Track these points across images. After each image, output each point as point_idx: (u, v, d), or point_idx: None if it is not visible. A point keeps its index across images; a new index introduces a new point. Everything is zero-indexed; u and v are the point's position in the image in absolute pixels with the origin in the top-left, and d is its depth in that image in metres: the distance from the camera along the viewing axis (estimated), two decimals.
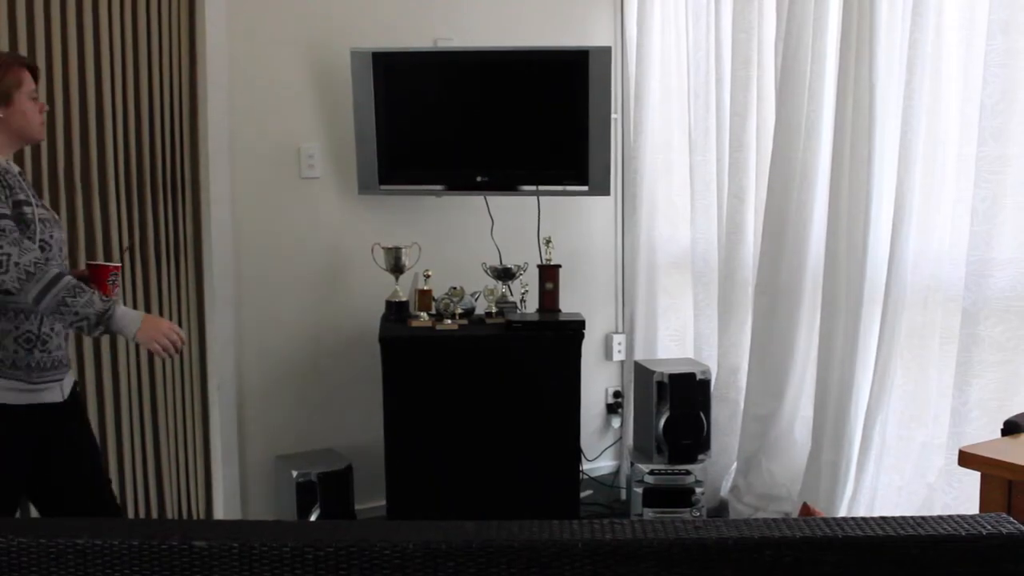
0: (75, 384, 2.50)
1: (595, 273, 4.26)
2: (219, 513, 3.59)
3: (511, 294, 3.68)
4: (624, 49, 4.18)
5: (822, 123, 3.19)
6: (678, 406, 3.53)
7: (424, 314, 3.50)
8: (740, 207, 3.59)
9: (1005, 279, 2.59)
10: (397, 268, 3.55)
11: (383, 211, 3.77)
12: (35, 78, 2.36)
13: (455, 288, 3.57)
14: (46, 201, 3.18)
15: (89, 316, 2.22)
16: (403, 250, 3.53)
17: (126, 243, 3.30)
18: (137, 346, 3.41)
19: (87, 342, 3.28)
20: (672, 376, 3.54)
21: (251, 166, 3.56)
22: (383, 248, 3.56)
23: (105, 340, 3.32)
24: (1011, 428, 2.09)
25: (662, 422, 3.54)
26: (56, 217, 2.40)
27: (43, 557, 0.93)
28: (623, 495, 4.11)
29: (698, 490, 3.56)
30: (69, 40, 3.17)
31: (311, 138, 3.67)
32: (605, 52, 3.55)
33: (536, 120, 3.61)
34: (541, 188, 3.67)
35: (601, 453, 4.35)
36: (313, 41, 3.64)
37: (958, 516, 0.98)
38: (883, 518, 0.99)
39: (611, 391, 4.38)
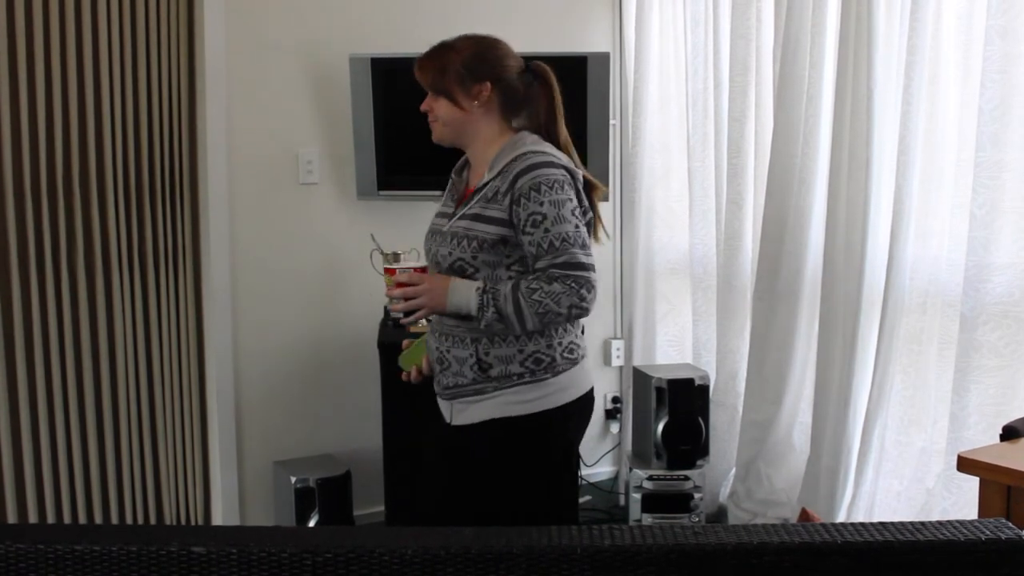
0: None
1: None
2: (217, 519, 3.58)
3: None
4: (622, 55, 4.19)
5: (820, 128, 3.19)
6: (677, 412, 3.53)
7: (423, 320, 3.50)
8: (738, 213, 3.59)
9: (1003, 284, 2.59)
10: None
11: (382, 216, 3.77)
12: None
13: None
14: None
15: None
16: (402, 255, 3.53)
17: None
18: (135, 350, 3.41)
19: (83, 347, 3.28)
20: (671, 382, 3.54)
21: (249, 171, 3.56)
22: (382, 253, 3.57)
23: (102, 344, 3.32)
24: (1009, 433, 2.09)
25: (661, 427, 3.54)
26: None
27: (41, 563, 0.93)
28: (622, 500, 4.10)
29: (697, 496, 3.56)
30: (68, 45, 3.17)
31: (310, 143, 3.67)
32: (603, 58, 3.56)
33: None
34: None
35: (600, 458, 4.35)
36: (312, 47, 3.64)
37: (957, 521, 0.98)
38: (882, 523, 0.99)
39: (610, 396, 4.38)
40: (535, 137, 2.21)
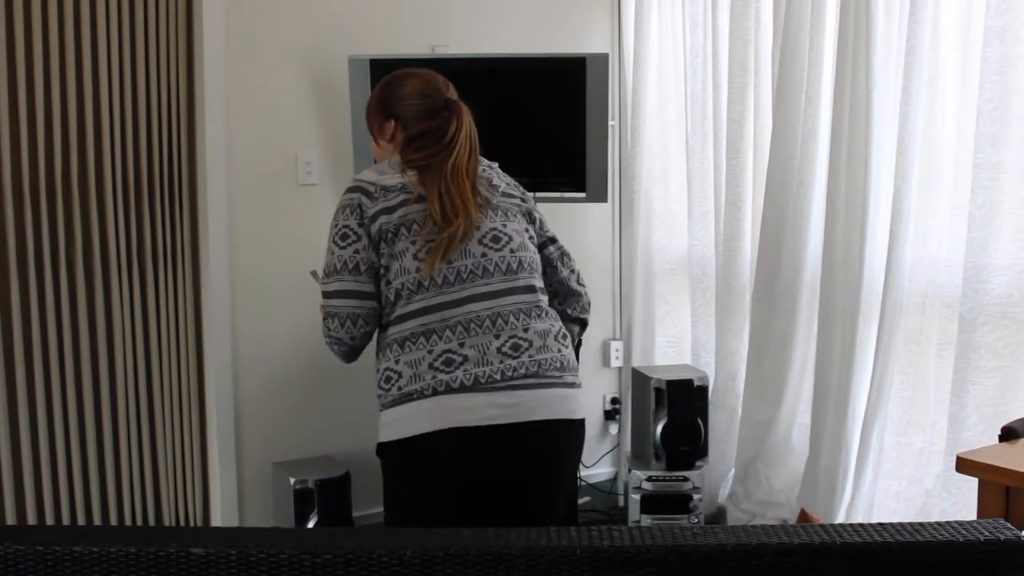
0: None
1: (592, 280, 4.26)
2: (216, 520, 3.58)
3: None
4: (621, 56, 4.19)
5: (819, 130, 3.20)
6: (676, 412, 3.53)
7: None
8: (737, 214, 3.60)
9: (1002, 285, 2.59)
10: None
11: None
12: None
13: None
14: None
15: None
16: None
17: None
18: (135, 351, 3.41)
19: (82, 349, 3.28)
20: (670, 383, 3.54)
21: (248, 172, 3.56)
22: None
23: (101, 345, 3.32)
24: (1008, 434, 2.09)
25: (660, 428, 3.54)
26: None
27: (40, 564, 0.93)
28: (621, 502, 4.11)
29: (696, 496, 3.56)
30: (67, 47, 3.17)
31: (309, 144, 3.67)
32: (602, 59, 3.56)
33: (533, 127, 3.62)
34: (538, 195, 3.66)
35: (599, 460, 4.35)
36: (311, 48, 3.64)
37: (956, 522, 0.98)
38: (881, 524, 0.99)
39: (609, 398, 4.38)
40: (384, 163, 2.19)
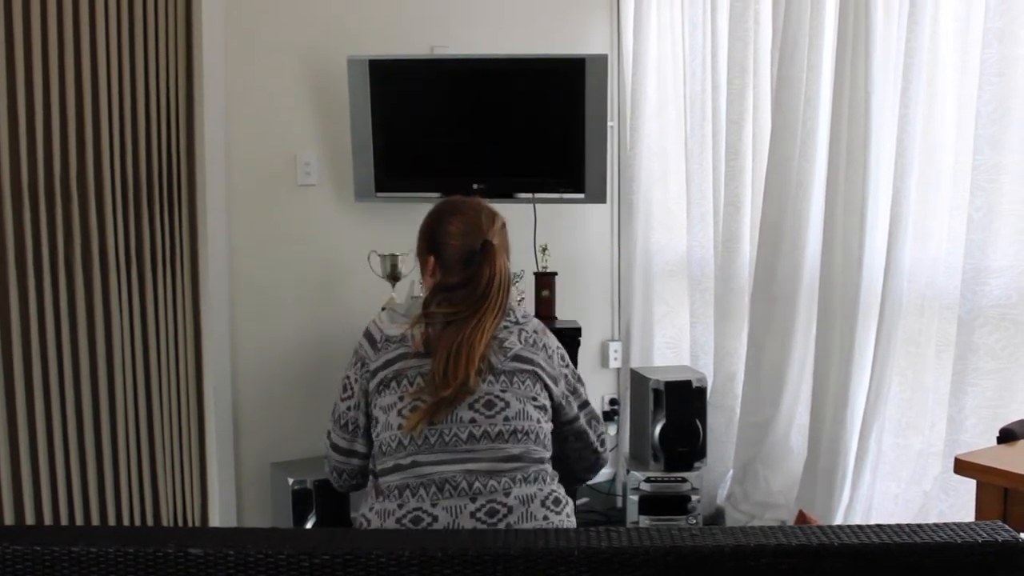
0: None
1: (591, 281, 4.26)
2: (215, 520, 3.58)
3: None
4: (620, 57, 4.19)
5: (818, 131, 3.20)
6: (674, 414, 3.53)
7: None
8: (736, 215, 3.60)
9: (1000, 287, 2.59)
10: (393, 275, 3.55)
11: (379, 218, 3.77)
12: None
13: None
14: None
15: None
16: (399, 257, 3.53)
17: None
18: (133, 351, 3.40)
19: (81, 349, 3.28)
20: (668, 384, 3.54)
21: (247, 173, 3.56)
22: (379, 255, 3.56)
23: (100, 347, 3.32)
24: (1007, 436, 2.09)
25: (658, 429, 3.54)
26: None
27: (38, 564, 0.93)
28: (619, 503, 4.11)
29: (694, 498, 3.56)
30: (66, 47, 3.17)
31: (308, 145, 3.67)
32: (602, 60, 3.56)
33: (533, 128, 3.62)
34: (537, 196, 3.67)
35: None
36: (310, 49, 3.64)
37: (954, 524, 0.99)
38: (879, 526, 0.99)
39: (607, 399, 4.38)
40: (405, 307, 2.15)
